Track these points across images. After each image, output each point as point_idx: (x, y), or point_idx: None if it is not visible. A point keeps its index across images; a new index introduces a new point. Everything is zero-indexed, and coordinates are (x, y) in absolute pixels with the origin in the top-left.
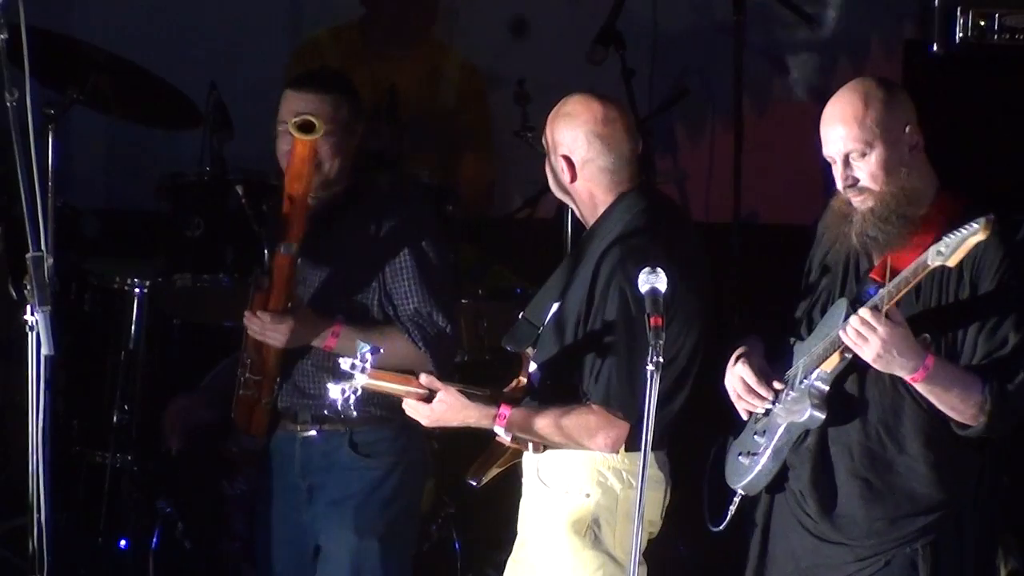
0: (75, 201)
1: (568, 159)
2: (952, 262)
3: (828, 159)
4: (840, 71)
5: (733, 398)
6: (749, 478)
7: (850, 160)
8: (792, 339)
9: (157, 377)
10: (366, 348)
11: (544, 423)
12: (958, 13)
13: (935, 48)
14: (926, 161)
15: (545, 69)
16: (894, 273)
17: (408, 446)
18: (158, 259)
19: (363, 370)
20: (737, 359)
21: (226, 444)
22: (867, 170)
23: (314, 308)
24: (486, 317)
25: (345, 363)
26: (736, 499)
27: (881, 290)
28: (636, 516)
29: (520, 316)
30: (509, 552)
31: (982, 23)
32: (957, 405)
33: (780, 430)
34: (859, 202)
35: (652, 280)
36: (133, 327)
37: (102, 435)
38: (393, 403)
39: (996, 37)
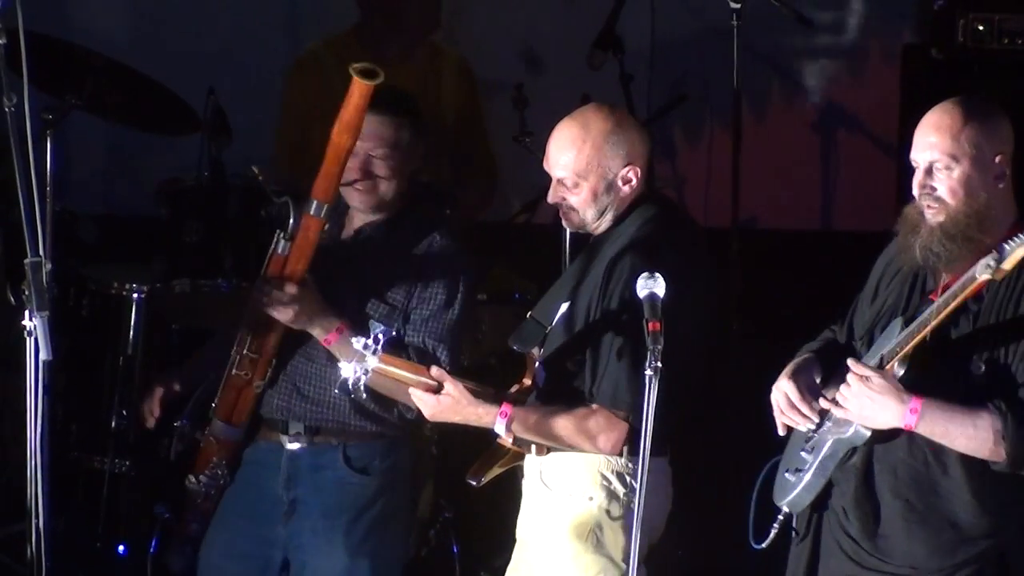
0: (73, 206)
1: (635, 167)
2: (1000, 274)
3: (912, 163)
4: (839, 76)
5: (775, 413)
6: (793, 495)
7: (933, 170)
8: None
9: (155, 382)
10: (379, 328)
11: (545, 423)
12: (957, 18)
13: (934, 53)
14: (1010, 194)
15: (543, 74)
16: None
17: (400, 462)
18: (156, 264)
19: (375, 352)
20: (786, 375)
21: (203, 432)
22: (947, 184)
23: (340, 304)
24: (484, 321)
25: (358, 343)
26: (780, 516)
27: (930, 307)
28: (636, 521)
29: (528, 316)
30: (507, 557)
31: (981, 28)
32: (964, 443)
33: (826, 446)
34: (931, 214)
35: (650, 285)
36: (131, 332)
37: (100, 440)
38: (386, 419)
39: (995, 42)
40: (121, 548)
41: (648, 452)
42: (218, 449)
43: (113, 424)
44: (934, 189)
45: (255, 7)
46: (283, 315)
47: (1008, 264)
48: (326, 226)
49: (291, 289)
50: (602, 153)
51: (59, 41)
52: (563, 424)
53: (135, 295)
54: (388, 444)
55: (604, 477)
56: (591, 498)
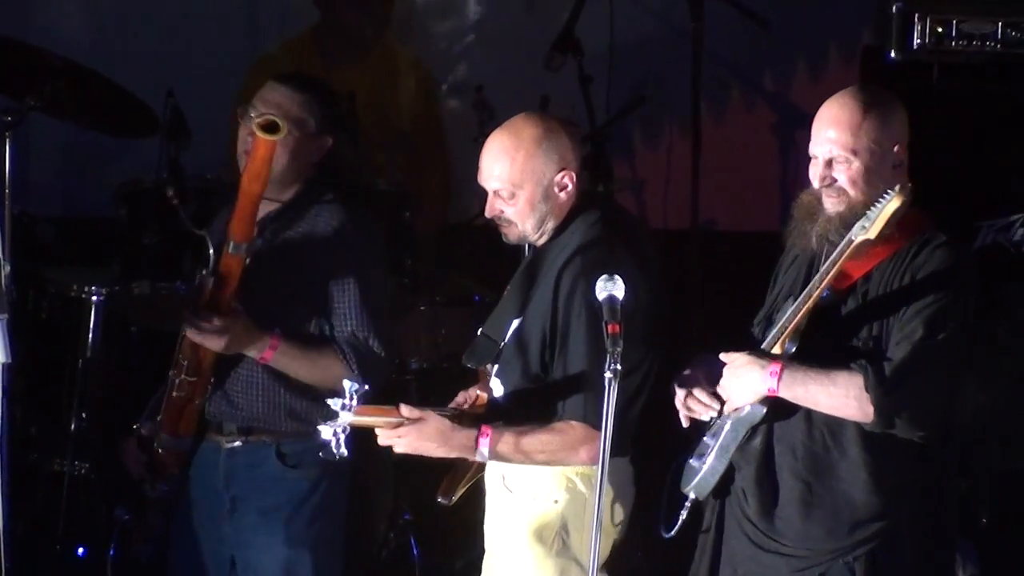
0: (32, 209)
1: (569, 172)
2: (873, 233)
3: (811, 155)
4: (798, 77)
5: (677, 406)
6: (697, 479)
7: (833, 163)
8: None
9: (115, 385)
10: (353, 386)
11: (525, 442)
12: (916, 20)
13: (893, 55)
14: (904, 181)
15: (502, 76)
16: (846, 278)
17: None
18: (115, 266)
19: (350, 409)
20: (684, 376)
21: (153, 445)
22: (847, 176)
23: (253, 315)
24: (444, 324)
25: (335, 404)
26: (687, 504)
27: (812, 281)
28: (595, 522)
29: (479, 332)
30: (467, 559)
31: (940, 30)
32: (827, 402)
33: (726, 428)
34: (831, 204)
35: (609, 288)
36: (91, 334)
37: (60, 443)
38: (319, 414)
39: (954, 44)
40: (81, 550)
41: (608, 453)
42: (170, 460)
43: (72, 427)
44: (835, 180)
45: (215, 9)
46: (214, 345)
47: (876, 226)
48: (247, 260)
49: (219, 321)
50: (535, 160)
51: (18, 43)
52: (545, 440)
53: (94, 297)
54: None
55: (568, 479)
56: (556, 501)
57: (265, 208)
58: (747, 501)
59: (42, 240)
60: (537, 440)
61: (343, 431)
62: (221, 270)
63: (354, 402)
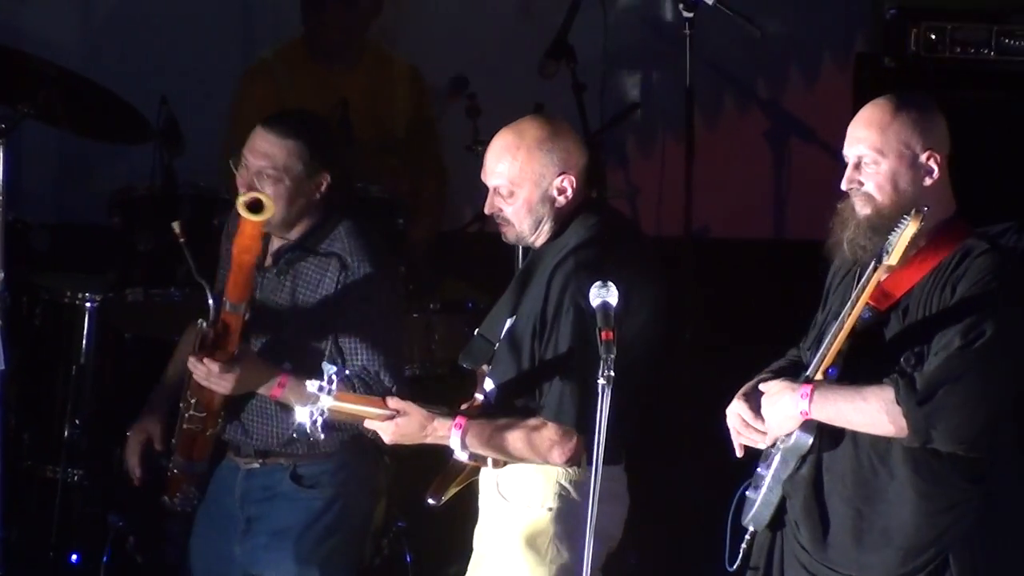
0: (26, 215)
1: (569, 176)
2: (895, 260)
3: (844, 157)
4: (792, 85)
5: (732, 435)
6: (753, 511)
7: (862, 164)
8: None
9: (108, 392)
10: (332, 369)
11: (498, 436)
12: (909, 27)
13: (886, 62)
14: (943, 192)
15: (496, 83)
16: (888, 297)
17: (350, 479)
18: (109, 273)
19: (329, 392)
20: (739, 396)
21: (168, 465)
22: (874, 179)
23: (264, 347)
24: (437, 330)
25: (312, 385)
26: (747, 536)
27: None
28: (588, 529)
29: (475, 333)
30: (461, 566)
31: (933, 37)
32: (859, 419)
33: (776, 458)
34: (859, 207)
35: (603, 294)
36: (84, 341)
37: (53, 449)
38: (339, 441)
39: (947, 51)
40: (74, 557)
41: (600, 460)
42: (184, 480)
43: (66, 433)
44: (862, 184)
45: (209, 16)
46: (221, 390)
47: (896, 252)
48: (247, 316)
49: (224, 369)
50: (536, 161)
51: (11, 50)
52: (515, 437)
53: (88, 304)
54: (339, 462)
55: (561, 487)
56: (549, 508)
57: (278, 242)
58: (799, 531)
59: (36, 247)
60: (509, 436)
61: (320, 414)
62: (221, 323)
63: (333, 385)
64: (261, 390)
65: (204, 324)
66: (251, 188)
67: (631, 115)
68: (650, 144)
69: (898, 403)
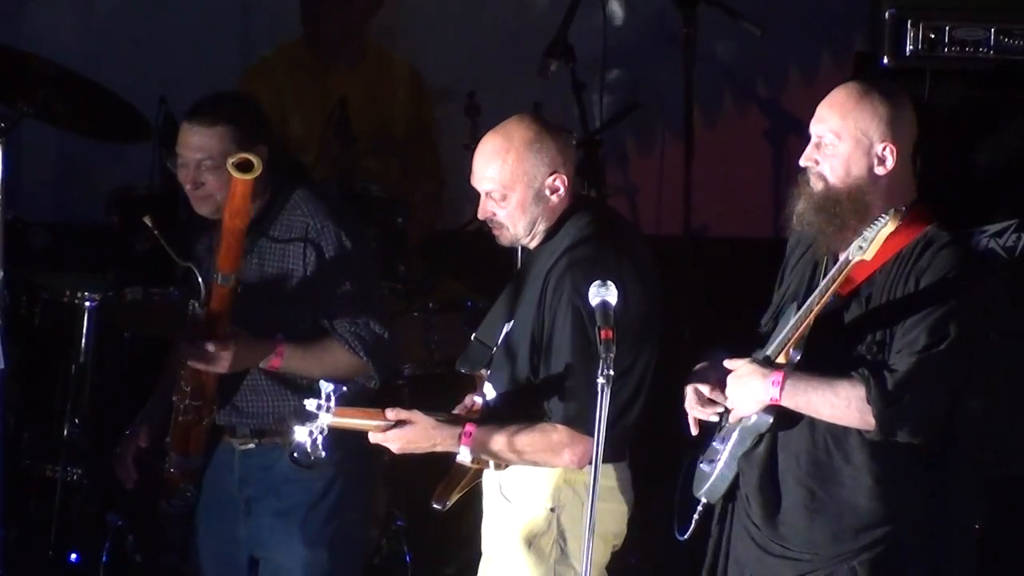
0: (25, 214)
1: (561, 175)
2: (870, 255)
3: (810, 134)
4: (791, 84)
5: (687, 408)
6: (708, 484)
7: (821, 144)
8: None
9: (107, 390)
10: (329, 387)
11: (508, 442)
12: (908, 26)
13: (885, 61)
14: (899, 182)
15: (495, 82)
16: (849, 282)
17: (347, 456)
18: (108, 272)
19: (328, 409)
20: (694, 372)
21: (164, 465)
22: (829, 161)
23: (251, 327)
24: (436, 330)
25: (311, 404)
26: (699, 507)
27: (810, 298)
28: (587, 528)
29: (473, 337)
30: (459, 564)
31: (932, 36)
32: (828, 411)
33: (735, 435)
34: (813, 182)
35: (602, 293)
36: (83, 340)
37: (52, 449)
38: None
39: (946, 50)
40: (73, 556)
41: (600, 459)
42: (182, 477)
43: (65, 432)
44: (817, 162)
45: (208, 16)
46: (219, 368)
47: (872, 248)
48: (238, 288)
49: (218, 346)
50: (526, 162)
51: (11, 50)
52: (527, 442)
53: (87, 303)
54: (336, 438)
55: (564, 487)
56: (552, 509)
57: None
58: (751, 506)
59: (35, 246)
60: (520, 441)
61: (320, 432)
62: (213, 300)
63: (331, 403)
64: (260, 364)
65: (196, 306)
66: (195, 183)
67: (630, 114)
68: (649, 143)
69: (868, 402)
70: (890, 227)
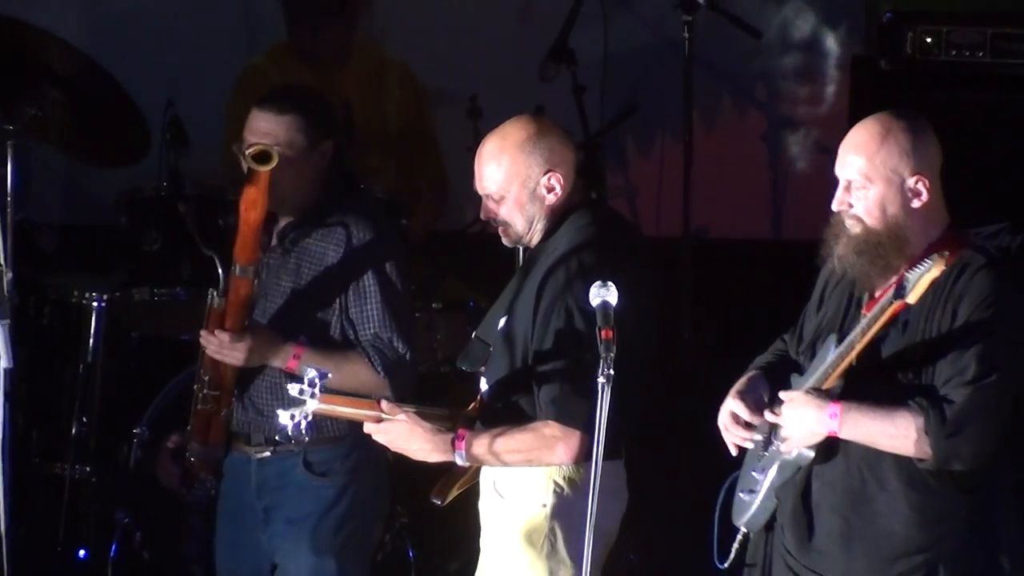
0: (33, 215)
1: (556, 174)
2: (912, 299)
3: (837, 176)
4: (789, 87)
5: (723, 433)
6: (748, 515)
7: (852, 187)
8: (794, 373)
9: (115, 390)
10: (314, 373)
11: (501, 444)
12: (906, 30)
13: (883, 65)
14: (931, 211)
15: (496, 85)
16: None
17: (361, 464)
18: (116, 273)
19: (313, 395)
20: (732, 394)
21: (184, 455)
22: (863, 203)
23: (274, 326)
24: (439, 330)
25: (294, 389)
26: (739, 536)
27: (858, 327)
28: (587, 525)
29: (473, 335)
30: (462, 562)
31: (929, 40)
32: (887, 442)
33: (775, 467)
34: (850, 225)
35: (603, 294)
36: (91, 340)
37: (61, 447)
38: (349, 423)
39: (943, 54)
40: (82, 553)
41: (600, 457)
42: (202, 468)
43: (73, 431)
44: (851, 206)
45: (214, 17)
46: (234, 360)
47: (912, 296)
48: (256, 281)
49: (236, 339)
50: (520, 162)
51: (20, 22)
52: (520, 440)
53: (95, 304)
54: (349, 445)
55: (556, 483)
56: (544, 504)
57: (283, 221)
58: (784, 534)
59: (43, 247)
60: (513, 441)
61: (304, 418)
62: (231, 291)
63: (316, 388)
64: (276, 362)
65: (215, 294)
66: None
67: (630, 116)
68: (649, 145)
69: (927, 433)
70: (935, 272)
